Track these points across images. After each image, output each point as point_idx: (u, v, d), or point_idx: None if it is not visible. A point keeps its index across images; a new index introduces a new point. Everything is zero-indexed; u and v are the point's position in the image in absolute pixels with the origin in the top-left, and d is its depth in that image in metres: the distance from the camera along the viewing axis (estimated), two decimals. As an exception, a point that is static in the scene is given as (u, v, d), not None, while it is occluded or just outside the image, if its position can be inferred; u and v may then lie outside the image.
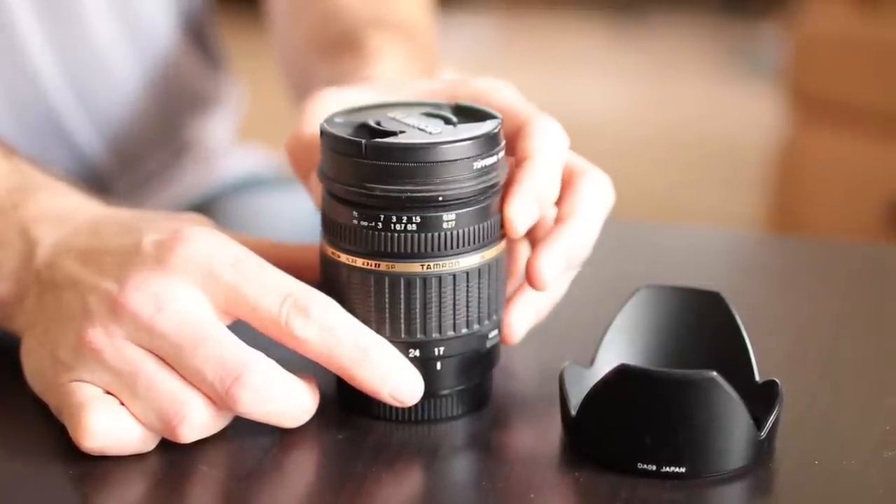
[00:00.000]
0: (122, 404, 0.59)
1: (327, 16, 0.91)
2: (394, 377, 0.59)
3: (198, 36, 1.04)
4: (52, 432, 0.61)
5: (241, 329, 0.59)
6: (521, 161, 0.62)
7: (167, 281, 0.58)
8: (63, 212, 0.65)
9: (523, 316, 0.64)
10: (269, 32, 1.01)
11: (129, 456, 0.59)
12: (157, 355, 0.58)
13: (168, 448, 0.59)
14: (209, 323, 0.58)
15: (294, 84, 0.96)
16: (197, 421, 0.58)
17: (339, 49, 0.85)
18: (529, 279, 0.62)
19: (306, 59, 0.92)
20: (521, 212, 0.61)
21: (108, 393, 0.59)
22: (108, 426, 0.58)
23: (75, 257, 0.62)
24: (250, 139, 1.19)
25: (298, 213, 0.91)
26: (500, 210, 0.62)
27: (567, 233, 0.63)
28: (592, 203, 0.64)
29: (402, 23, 0.89)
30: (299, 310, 0.58)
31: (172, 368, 0.58)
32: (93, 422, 0.58)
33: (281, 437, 0.61)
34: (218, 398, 0.58)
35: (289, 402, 0.59)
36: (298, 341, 0.58)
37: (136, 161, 1.00)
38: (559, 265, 0.62)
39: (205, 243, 0.59)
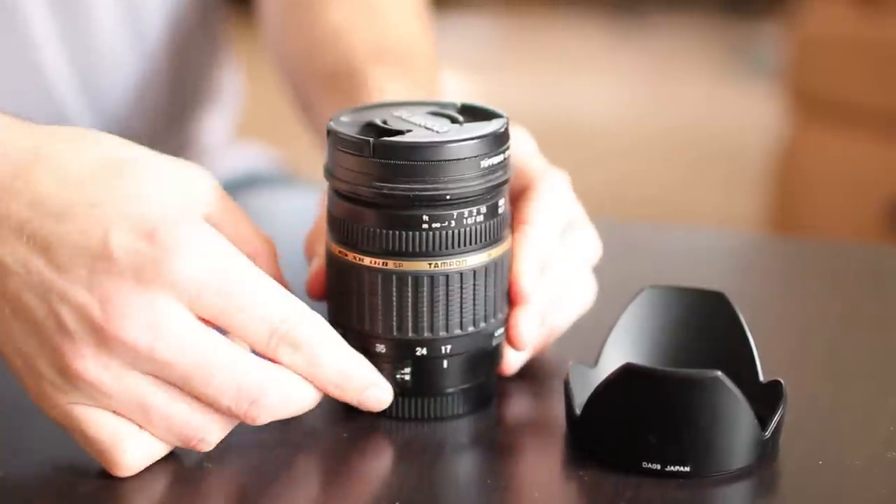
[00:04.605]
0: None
1: (322, 39, 0.89)
2: (365, 393, 0.59)
3: (205, 32, 1.04)
4: (51, 431, 0.61)
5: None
6: (520, 224, 0.64)
7: (154, 303, 0.54)
8: None
9: (531, 322, 0.64)
10: (260, 32, 1.01)
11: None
12: (161, 379, 0.56)
13: (174, 445, 0.59)
14: (211, 344, 0.55)
15: (294, 95, 0.96)
16: (214, 439, 0.58)
17: (339, 81, 0.84)
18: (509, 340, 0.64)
19: (306, 79, 0.91)
20: (528, 324, 0.63)
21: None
22: (142, 460, 0.57)
23: (17, 233, 0.55)
24: (249, 137, 1.19)
25: (297, 211, 0.91)
26: (511, 215, 0.63)
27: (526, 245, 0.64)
28: (538, 219, 0.64)
29: (400, 48, 0.88)
30: (288, 343, 0.57)
31: (181, 390, 0.56)
32: (129, 460, 0.57)
33: (286, 435, 0.61)
34: (235, 417, 0.57)
35: (302, 404, 0.58)
36: (286, 366, 0.57)
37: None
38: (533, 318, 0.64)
39: (190, 259, 0.55)
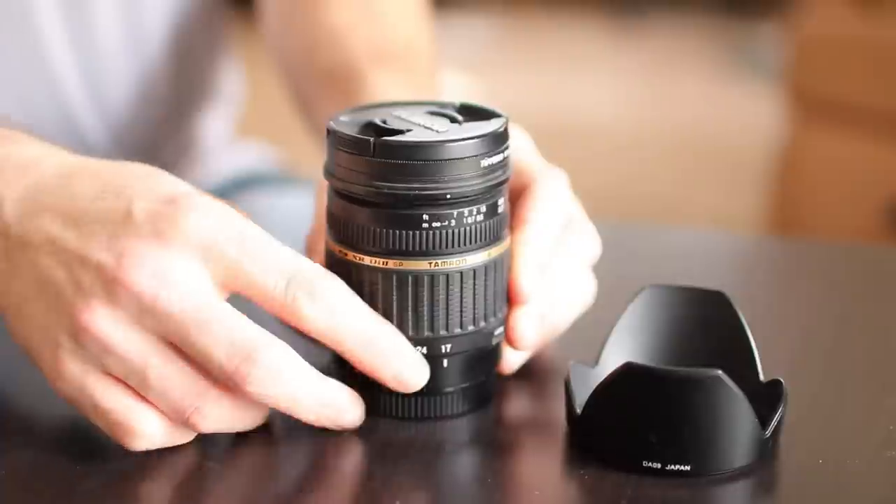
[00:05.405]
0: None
1: (321, 39, 0.90)
2: (398, 361, 0.59)
3: (206, 32, 1.04)
4: (54, 429, 0.61)
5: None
6: (519, 224, 0.63)
7: (167, 255, 0.56)
8: (24, 161, 0.60)
9: (530, 321, 0.63)
10: (261, 32, 1.01)
11: (133, 452, 0.59)
12: (162, 338, 0.57)
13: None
14: (214, 301, 0.57)
15: (293, 95, 0.96)
16: (211, 412, 0.58)
17: (337, 82, 0.84)
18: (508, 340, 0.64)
19: (305, 79, 0.91)
20: (528, 324, 0.63)
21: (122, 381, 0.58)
22: (153, 432, 0.58)
23: (53, 217, 0.58)
24: (249, 136, 1.19)
25: (297, 210, 0.92)
26: (510, 214, 0.63)
27: (526, 246, 0.63)
28: (538, 218, 0.64)
29: (399, 49, 0.88)
30: (305, 290, 0.57)
31: (180, 351, 0.57)
32: (140, 428, 0.57)
33: (286, 434, 0.61)
34: (227, 378, 0.56)
35: (303, 387, 0.58)
36: (303, 319, 0.57)
37: (143, 159, 1.00)
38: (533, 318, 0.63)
39: (205, 216, 0.57)
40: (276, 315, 0.58)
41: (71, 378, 0.58)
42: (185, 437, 0.59)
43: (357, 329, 0.58)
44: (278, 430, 0.61)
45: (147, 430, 0.58)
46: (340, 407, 0.60)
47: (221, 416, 0.58)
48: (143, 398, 0.58)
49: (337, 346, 0.58)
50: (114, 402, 0.57)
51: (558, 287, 0.66)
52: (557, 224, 0.65)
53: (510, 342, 0.63)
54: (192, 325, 0.56)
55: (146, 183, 0.59)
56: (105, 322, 0.56)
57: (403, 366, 0.59)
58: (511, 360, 0.65)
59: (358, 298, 0.59)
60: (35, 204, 0.59)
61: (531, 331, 0.63)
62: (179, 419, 0.58)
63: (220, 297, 0.57)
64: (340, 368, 0.61)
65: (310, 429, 0.61)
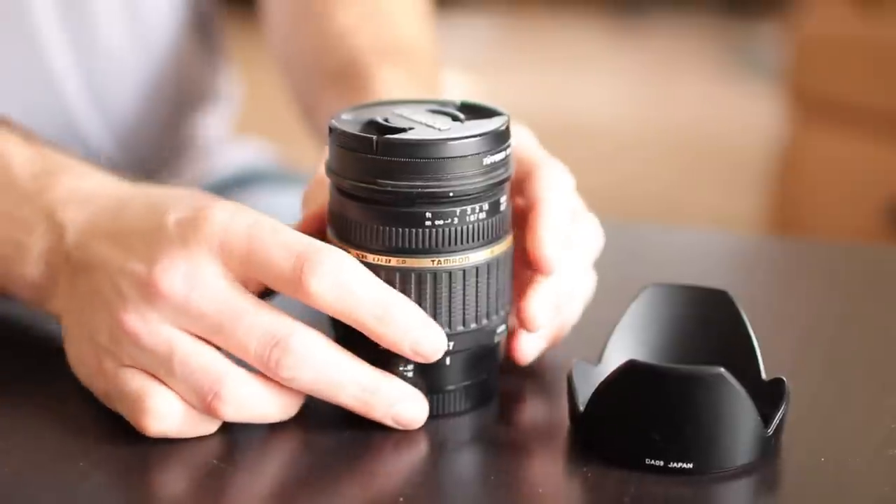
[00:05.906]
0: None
1: (330, 39, 0.91)
2: (415, 330, 0.59)
3: (203, 33, 1.04)
4: (57, 428, 0.61)
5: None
6: (531, 206, 0.63)
7: (192, 258, 0.59)
8: (88, 193, 0.65)
9: (543, 302, 0.63)
10: (265, 36, 1.01)
11: (136, 449, 0.59)
12: (194, 334, 0.59)
13: (180, 442, 0.60)
14: (241, 294, 0.59)
15: (299, 97, 0.96)
16: (232, 398, 0.59)
17: (345, 79, 0.85)
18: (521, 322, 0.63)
19: (312, 80, 0.92)
20: (540, 303, 0.62)
21: (153, 375, 0.59)
22: (169, 409, 0.59)
23: (103, 238, 0.62)
24: (246, 132, 1.19)
25: (296, 207, 0.92)
26: (516, 205, 0.63)
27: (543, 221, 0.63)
28: (552, 196, 0.64)
29: (405, 47, 0.89)
30: (312, 264, 0.58)
31: (210, 343, 0.59)
32: (154, 405, 0.59)
33: (287, 432, 0.61)
34: (264, 366, 0.58)
35: (338, 370, 0.59)
36: (312, 295, 0.58)
37: (144, 158, 1.00)
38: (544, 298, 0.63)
39: (222, 215, 0.59)
40: (291, 296, 0.59)
41: (105, 373, 0.60)
42: (206, 428, 0.60)
43: (368, 300, 0.58)
44: (281, 429, 0.61)
45: (163, 409, 0.59)
46: (385, 393, 0.60)
47: (244, 403, 0.59)
48: (165, 384, 0.59)
49: (350, 318, 0.59)
50: (134, 384, 0.59)
51: (568, 280, 0.65)
52: (568, 205, 0.64)
53: (521, 322, 0.63)
54: (225, 321, 0.58)
55: (182, 199, 0.62)
56: (138, 320, 0.59)
57: (420, 335, 0.59)
58: (526, 350, 0.65)
59: (367, 270, 0.59)
60: (92, 228, 0.63)
61: (543, 310, 0.62)
62: (200, 404, 0.59)
63: (245, 291, 0.59)
64: None
65: (311, 427, 0.61)
